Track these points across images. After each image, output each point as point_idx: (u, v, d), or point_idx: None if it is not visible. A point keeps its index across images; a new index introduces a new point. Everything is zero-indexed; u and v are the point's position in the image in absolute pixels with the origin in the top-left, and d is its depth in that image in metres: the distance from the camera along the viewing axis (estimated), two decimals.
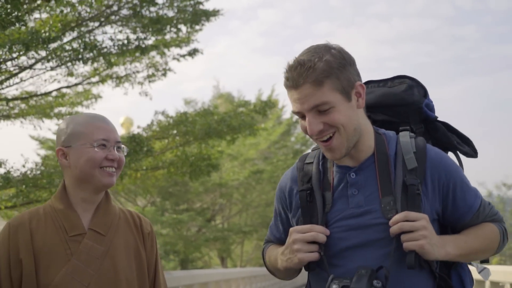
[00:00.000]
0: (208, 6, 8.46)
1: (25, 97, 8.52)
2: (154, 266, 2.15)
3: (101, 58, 6.96)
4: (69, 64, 6.85)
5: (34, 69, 7.43)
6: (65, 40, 6.52)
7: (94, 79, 9.60)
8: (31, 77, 7.62)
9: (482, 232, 1.86)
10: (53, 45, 6.13)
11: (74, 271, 1.96)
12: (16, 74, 7.34)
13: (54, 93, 9.49)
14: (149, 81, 9.19)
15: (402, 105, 1.97)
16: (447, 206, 1.83)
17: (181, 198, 21.27)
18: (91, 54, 6.63)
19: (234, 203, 24.32)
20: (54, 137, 20.66)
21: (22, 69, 7.21)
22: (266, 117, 21.91)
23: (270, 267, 2.01)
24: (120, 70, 9.28)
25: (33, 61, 7.05)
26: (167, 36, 8.90)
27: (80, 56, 6.43)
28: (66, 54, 6.47)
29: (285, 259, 1.83)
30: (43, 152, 20.66)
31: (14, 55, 6.29)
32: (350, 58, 1.82)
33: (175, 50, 9.38)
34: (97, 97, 11.21)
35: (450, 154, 2.01)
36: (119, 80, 9.30)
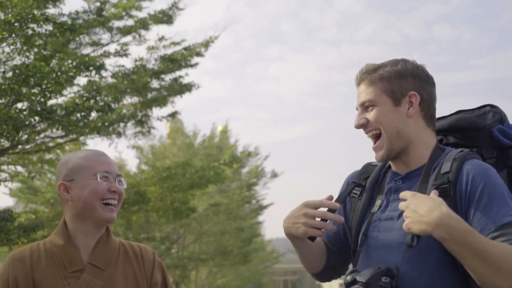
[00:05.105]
0: (187, 75, 10.38)
1: (35, 151, 10.21)
2: None
3: (110, 128, 8.88)
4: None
5: (52, 136, 9.24)
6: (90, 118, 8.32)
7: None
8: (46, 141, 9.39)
9: (506, 248, 1.60)
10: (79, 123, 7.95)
11: None
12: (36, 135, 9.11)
13: (50, 144, 11.25)
14: (137, 138, 11.07)
15: (473, 128, 1.90)
16: (469, 215, 1.71)
17: (143, 228, 22.78)
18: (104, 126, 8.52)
19: (190, 232, 25.93)
20: (21, 169, 22.03)
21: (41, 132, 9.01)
22: (221, 152, 23.75)
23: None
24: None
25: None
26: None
27: (98, 130, 8.30)
28: (88, 129, 8.35)
29: (290, 224, 1.87)
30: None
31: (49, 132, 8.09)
32: (419, 73, 1.85)
33: (155, 110, 11.35)
34: (84, 144, 13.09)
35: None
36: (109, 134, 11.19)
